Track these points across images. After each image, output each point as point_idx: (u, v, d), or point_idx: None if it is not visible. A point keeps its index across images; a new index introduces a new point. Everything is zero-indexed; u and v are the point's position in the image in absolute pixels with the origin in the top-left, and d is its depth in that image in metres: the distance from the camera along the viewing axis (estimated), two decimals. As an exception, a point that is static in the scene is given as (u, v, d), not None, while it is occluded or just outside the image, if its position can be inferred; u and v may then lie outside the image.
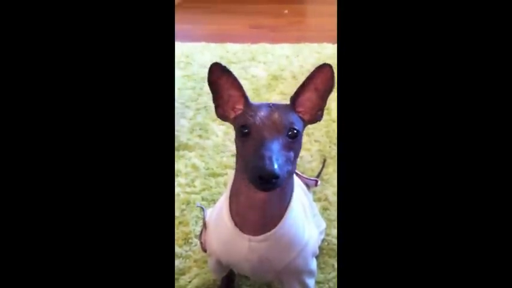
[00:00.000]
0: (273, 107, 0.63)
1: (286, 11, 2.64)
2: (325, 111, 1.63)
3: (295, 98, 0.66)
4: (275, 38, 2.16)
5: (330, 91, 0.65)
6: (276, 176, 0.54)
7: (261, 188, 0.57)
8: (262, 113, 0.61)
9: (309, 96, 0.66)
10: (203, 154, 1.33)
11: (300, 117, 0.65)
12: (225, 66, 0.64)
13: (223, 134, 1.42)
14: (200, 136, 1.42)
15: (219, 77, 0.64)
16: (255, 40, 2.14)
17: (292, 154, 0.61)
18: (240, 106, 0.66)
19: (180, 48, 2.06)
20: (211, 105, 0.68)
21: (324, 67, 0.63)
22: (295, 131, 0.61)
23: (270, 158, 0.55)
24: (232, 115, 0.67)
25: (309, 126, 1.53)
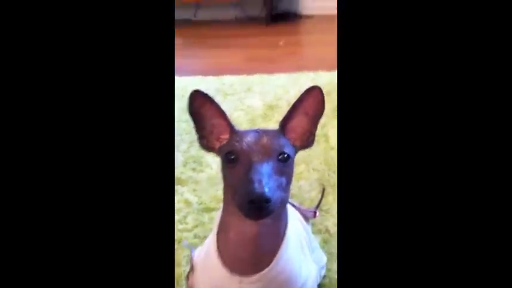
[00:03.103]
0: (260, 132, 0.58)
1: (281, 43, 2.67)
2: (322, 138, 1.57)
3: (284, 123, 0.62)
4: (271, 69, 2.16)
5: (320, 115, 0.61)
6: (267, 199, 0.49)
7: (251, 215, 0.52)
8: (250, 138, 0.57)
9: (299, 120, 0.61)
10: (196, 188, 1.27)
11: (291, 144, 0.61)
12: (206, 94, 0.60)
13: (218, 166, 1.36)
14: (194, 169, 1.37)
15: (201, 106, 0.60)
16: (251, 72, 2.14)
17: (284, 180, 0.56)
18: (225, 136, 0.62)
19: (176, 82, 2.05)
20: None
21: (313, 90, 0.59)
22: (285, 155, 0.56)
23: (260, 181, 0.50)
24: (217, 145, 0.62)
25: (307, 153, 1.48)
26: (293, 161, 0.59)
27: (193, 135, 1.76)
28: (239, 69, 2.20)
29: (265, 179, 0.51)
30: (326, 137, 1.49)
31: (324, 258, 0.90)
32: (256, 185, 0.50)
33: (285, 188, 0.57)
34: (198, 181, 1.30)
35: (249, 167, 0.53)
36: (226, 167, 0.57)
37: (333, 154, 1.39)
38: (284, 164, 0.56)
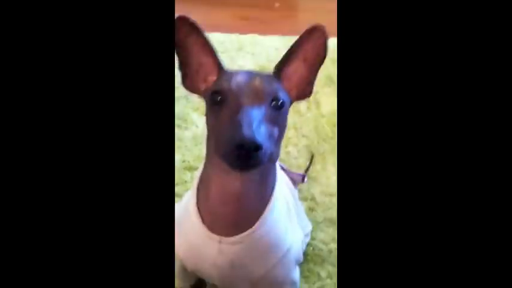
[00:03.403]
0: (253, 74, 0.51)
1: (277, 5, 2.53)
2: (314, 105, 1.50)
3: (279, 69, 0.54)
4: (265, 30, 2.05)
5: (322, 61, 0.53)
6: (257, 146, 0.42)
7: (237, 164, 0.45)
8: (240, 78, 0.49)
9: (296, 67, 0.54)
10: (180, 145, 1.20)
11: (287, 93, 0.54)
12: (194, 23, 0.51)
13: (204, 125, 1.29)
14: (179, 126, 1.30)
15: (187, 35, 0.52)
16: (243, 31, 2.03)
17: (276, 130, 0.49)
18: (213, 77, 0.54)
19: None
20: (193, 94, 0.56)
21: (314, 31, 0.51)
22: (280, 102, 0.49)
23: (250, 124, 0.43)
24: (203, 87, 0.55)
25: (296, 120, 1.42)
26: (287, 111, 0.52)
27: (180, 92, 1.66)
28: (231, 27, 2.08)
29: (255, 123, 0.44)
30: (317, 103, 1.42)
31: (309, 226, 0.86)
32: (245, 128, 0.43)
33: (277, 140, 0.50)
34: (181, 139, 1.23)
35: (238, 110, 0.46)
36: (211, 109, 0.50)
37: (324, 122, 1.34)
38: (277, 112, 0.49)
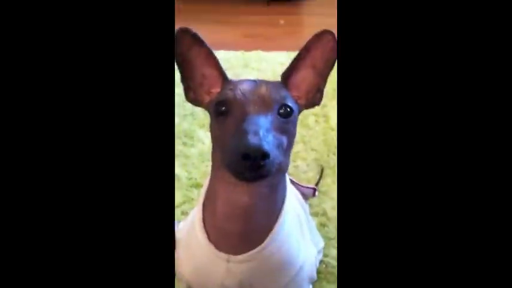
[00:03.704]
0: (258, 81, 0.49)
1: (282, 22, 2.55)
2: (322, 119, 1.47)
3: (287, 76, 0.52)
4: (270, 47, 2.06)
5: (331, 67, 0.51)
6: (264, 154, 0.40)
7: (243, 175, 0.42)
8: (245, 87, 0.47)
9: (305, 74, 0.52)
10: (186, 163, 1.18)
11: (294, 100, 0.51)
12: (196, 34, 0.50)
13: (211, 141, 1.28)
14: (185, 144, 1.28)
15: (189, 48, 0.50)
16: (248, 48, 2.04)
17: (285, 139, 0.46)
18: (217, 88, 0.52)
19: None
20: (199, 110, 0.55)
21: (323, 35, 0.49)
22: (288, 109, 0.47)
23: (256, 132, 0.41)
24: (207, 99, 0.53)
25: (305, 133, 1.39)
26: (296, 119, 0.50)
27: (186, 109, 1.65)
28: (236, 45, 2.09)
29: (262, 131, 0.42)
30: (326, 117, 1.40)
31: (321, 242, 0.82)
32: (251, 135, 0.40)
33: (286, 150, 0.47)
34: (188, 156, 1.21)
35: (243, 118, 0.44)
36: (215, 121, 0.48)
37: (333, 135, 1.32)
38: (286, 120, 0.47)
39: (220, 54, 2.06)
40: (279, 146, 0.45)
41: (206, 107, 0.53)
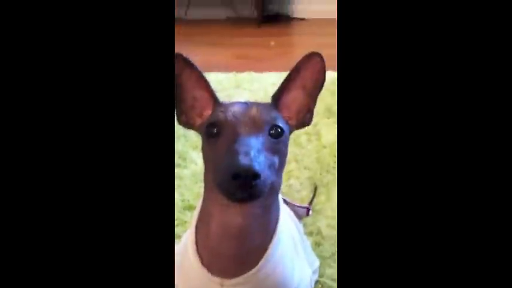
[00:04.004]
0: (249, 103, 0.49)
1: (272, 43, 2.60)
2: (314, 137, 1.48)
3: (277, 97, 0.53)
4: (261, 68, 2.09)
5: (320, 87, 0.52)
6: (255, 174, 0.40)
7: (235, 196, 0.43)
8: (236, 109, 0.48)
9: (295, 95, 0.53)
10: (180, 184, 1.18)
11: (285, 121, 0.52)
12: (187, 58, 0.51)
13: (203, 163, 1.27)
14: (178, 165, 1.28)
15: (181, 71, 0.51)
16: (241, 69, 2.06)
17: (276, 160, 0.47)
18: (208, 111, 0.53)
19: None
20: (192, 132, 0.55)
21: (311, 57, 0.50)
22: (279, 129, 0.47)
23: (247, 153, 0.41)
24: (198, 122, 0.53)
25: (297, 152, 1.39)
26: (287, 139, 0.50)
27: (179, 130, 1.65)
28: (228, 66, 2.12)
29: (253, 151, 0.42)
30: (318, 135, 1.41)
31: (317, 262, 0.81)
32: (242, 156, 0.41)
33: (278, 170, 0.48)
34: (181, 177, 1.21)
35: (235, 139, 0.44)
36: (207, 143, 0.48)
37: (326, 152, 1.32)
38: (277, 141, 0.47)
39: (213, 76, 2.07)
40: (271, 166, 0.45)
41: (198, 129, 0.53)
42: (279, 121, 0.48)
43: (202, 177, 1.32)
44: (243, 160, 0.40)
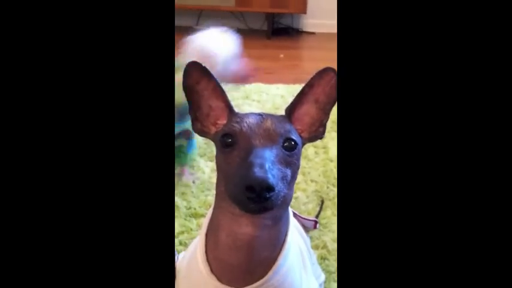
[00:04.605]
0: (264, 115, 0.50)
1: (282, 56, 2.62)
2: (322, 150, 1.48)
3: (291, 110, 0.53)
4: (270, 79, 2.10)
5: (333, 102, 0.53)
6: (269, 187, 0.41)
7: (248, 207, 0.43)
8: (251, 120, 0.49)
9: (308, 109, 0.53)
10: (186, 192, 1.18)
11: (298, 133, 0.53)
12: (205, 68, 0.52)
13: (211, 170, 1.28)
14: (185, 173, 1.28)
15: (198, 81, 0.52)
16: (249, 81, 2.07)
17: (289, 172, 0.47)
18: (223, 120, 0.53)
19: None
20: (200, 139, 0.56)
21: (325, 73, 0.51)
22: (292, 142, 0.48)
23: (262, 165, 0.42)
24: (213, 130, 0.54)
25: (304, 165, 1.39)
26: (300, 152, 0.51)
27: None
28: (237, 77, 2.13)
29: (268, 164, 0.43)
30: (326, 148, 1.42)
31: (322, 276, 0.81)
32: (257, 169, 0.41)
33: (290, 183, 0.48)
34: (188, 185, 1.21)
35: (249, 151, 0.45)
36: (221, 152, 0.49)
37: (332, 166, 1.32)
38: (290, 153, 0.48)
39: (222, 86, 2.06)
40: (284, 178, 0.46)
41: (212, 138, 0.54)
42: (292, 134, 0.49)
43: (209, 185, 1.32)
44: (258, 173, 0.41)
